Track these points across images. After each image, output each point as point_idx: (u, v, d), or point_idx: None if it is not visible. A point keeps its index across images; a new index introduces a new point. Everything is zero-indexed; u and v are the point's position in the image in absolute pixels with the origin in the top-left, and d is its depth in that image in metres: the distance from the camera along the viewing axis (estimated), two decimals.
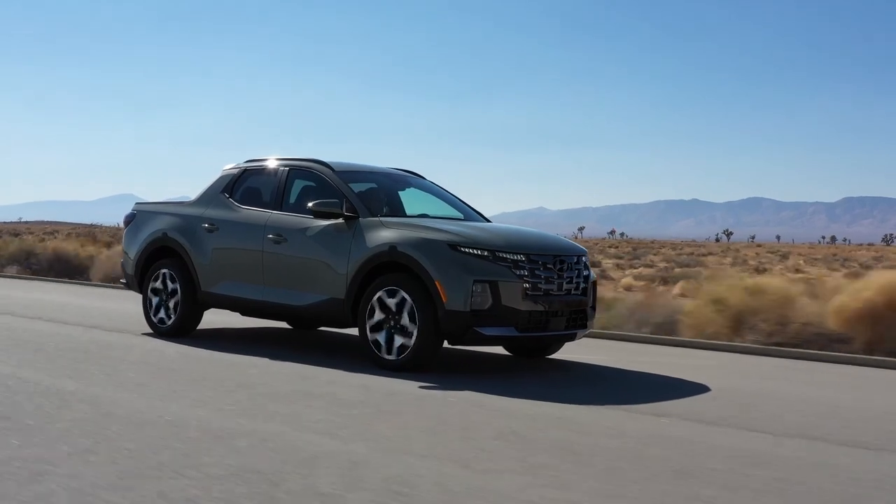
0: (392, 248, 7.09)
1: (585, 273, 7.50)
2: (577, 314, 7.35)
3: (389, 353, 6.98)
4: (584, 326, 7.50)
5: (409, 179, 8.83)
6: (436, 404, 5.70)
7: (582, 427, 5.17)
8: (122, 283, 9.64)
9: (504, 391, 6.26)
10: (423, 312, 6.82)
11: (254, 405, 5.41)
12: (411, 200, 8.58)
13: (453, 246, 6.91)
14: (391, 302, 6.99)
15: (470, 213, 8.57)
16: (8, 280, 18.12)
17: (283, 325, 10.02)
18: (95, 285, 17.13)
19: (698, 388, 6.81)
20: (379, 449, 4.43)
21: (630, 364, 8.03)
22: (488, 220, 8.52)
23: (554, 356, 8.18)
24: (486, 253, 6.90)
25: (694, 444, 4.87)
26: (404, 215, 8.06)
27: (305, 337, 9.30)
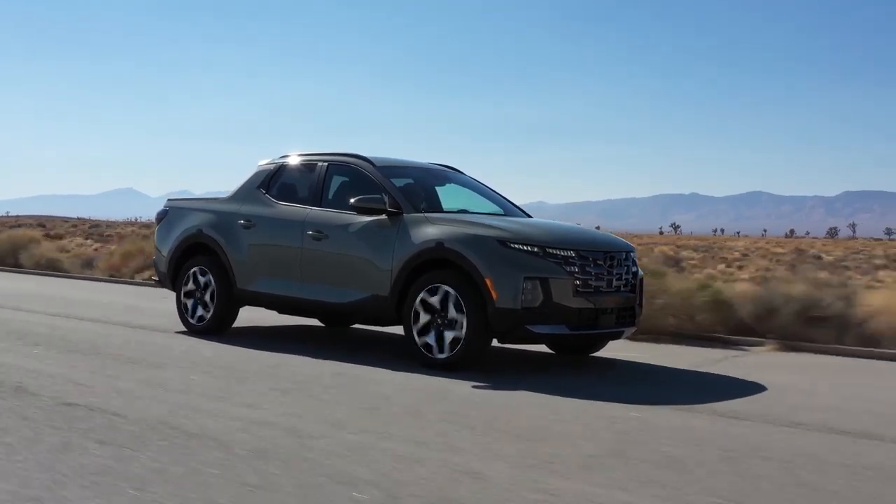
0: (439, 244, 6.96)
1: (634, 269, 7.37)
2: (626, 311, 7.23)
3: (439, 351, 6.85)
4: (633, 324, 7.39)
5: (449, 175, 8.70)
6: (511, 408, 5.57)
7: (670, 431, 5.06)
8: (154, 280, 9.52)
9: (571, 392, 6.12)
10: (472, 310, 6.69)
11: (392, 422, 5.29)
12: (450, 196, 8.46)
13: (503, 242, 6.79)
14: (437, 300, 6.87)
15: (510, 209, 8.44)
16: None
17: (315, 321, 9.89)
18: (70, 276, 16.95)
19: (756, 388, 6.69)
20: (520, 466, 4.30)
21: (678, 363, 7.89)
22: (529, 216, 8.39)
23: (596, 354, 8.05)
24: (536, 249, 6.77)
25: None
26: (442, 211, 7.93)
27: (340, 334, 9.18)
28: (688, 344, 9.23)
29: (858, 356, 8.66)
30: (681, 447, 4.60)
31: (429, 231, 7.12)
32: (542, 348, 8.19)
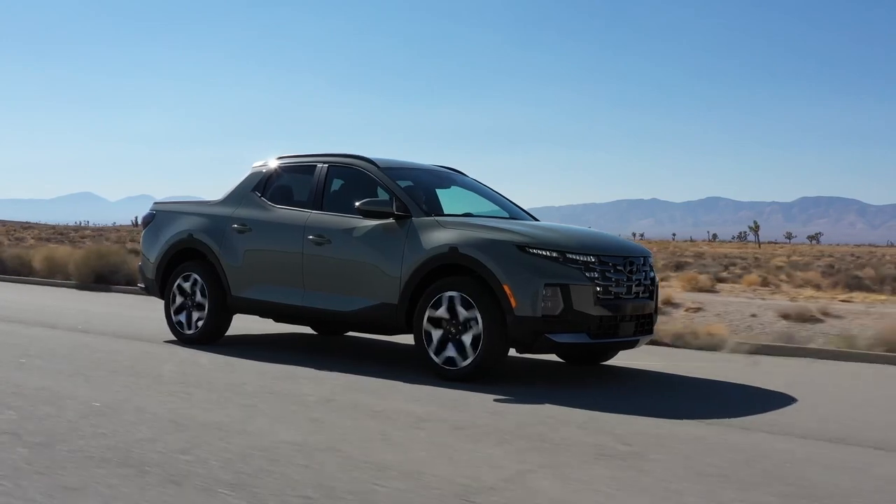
0: (453, 249, 6.62)
1: (651, 275, 7.11)
2: (645, 319, 6.96)
3: (455, 363, 6.51)
4: (651, 332, 7.12)
5: (452, 177, 8.37)
6: (549, 425, 5.27)
7: (702, 445, 4.78)
8: (140, 287, 9.06)
9: (590, 404, 5.83)
10: (489, 319, 6.36)
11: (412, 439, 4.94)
12: (451, 198, 8.13)
13: (521, 247, 6.47)
14: (450, 309, 6.53)
15: (517, 212, 8.12)
16: None
17: (307, 329, 9.50)
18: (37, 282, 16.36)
19: (785, 399, 6.45)
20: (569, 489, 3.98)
21: (692, 371, 7.64)
22: (536, 219, 8.08)
23: (608, 362, 7.77)
24: (556, 254, 6.47)
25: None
26: (443, 214, 7.59)
27: (334, 343, 8.81)
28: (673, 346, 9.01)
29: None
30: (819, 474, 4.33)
31: (441, 235, 6.78)
32: (547, 356, 7.90)
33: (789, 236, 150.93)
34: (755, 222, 66.98)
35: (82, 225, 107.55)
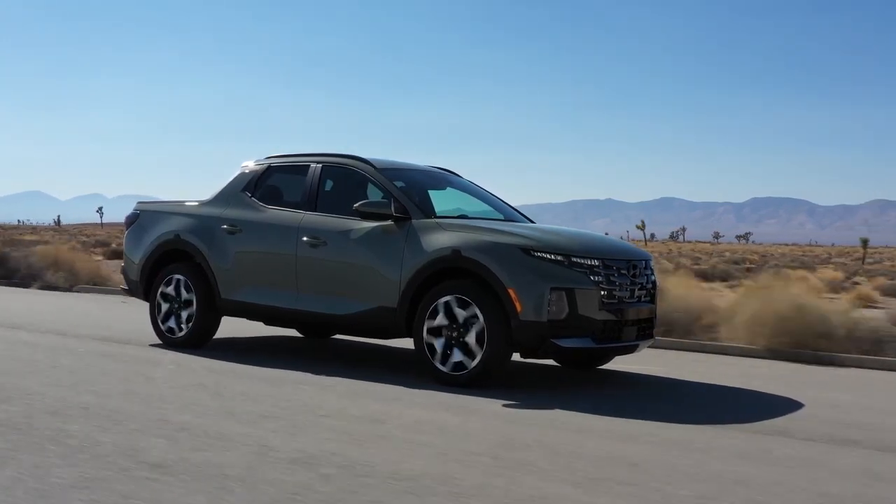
0: (455, 252, 6.51)
1: (653, 278, 7.07)
2: (646, 323, 6.92)
3: (456, 368, 6.40)
4: (651, 336, 7.07)
5: (447, 178, 8.24)
6: (558, 433, 5.18)
7: (724, 453, 4.74)
8: (122, 289, 8.81)
9: (604, 410, 5.76)
10: (493, 323, 6.26)
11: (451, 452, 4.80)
12: (444, 200, 8.01)
13: (526, 250, 6.37)
14: (455, 312, 6.41)
15: (512, 214, 8.02)
16: None
17: (293, 332, 9.31)
18: None
19: (793, 404, 6.45)
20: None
21: (693, 375, 7.61)
22: (532, 221, 8.00)
23: (604, 366, 7.72)
24: (560, 258, 6.38)
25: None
26: (440, 216, 7.46)
27: (326, 346, 8.65)
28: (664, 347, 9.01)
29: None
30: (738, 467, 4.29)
31: (442, 238, 6.66)
32: (544, 360, 7.82)
33: (717, 236, 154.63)
34: (642, 221, 69.18)
35: (23, 224, 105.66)
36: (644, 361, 8.02)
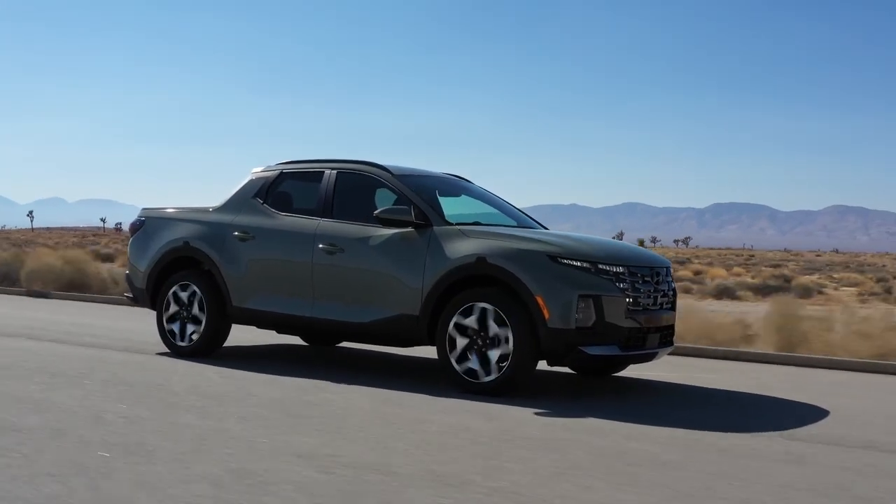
0: (481, 259, 6.46)
1: (673, 286, 7.08)
2: (667, 330, 6.92)
3: (483, 376, 6.35)
4: (671, 343, 7.07)
5: (462, 185, 8.19)
6: (603, 447, 5.14)
7: (769, 461, 4.73)
8: (126, 297, 8.63)
9: (639, 416, 5.74)
10: (520, 331, 6.22)
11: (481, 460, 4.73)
12: (457, 207, 7.94)
13: (553, 257, 6.34)
14: (477, 320, 6.36)
15: (528, 222, 7.98)
16: None
17: (297, 340, 9.19)
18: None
19: (819, 411, 6.48)
20: None
21: (705, 381, 7.63)
22: (546, 228, 7.96)
23: (620, 374, 7.71)
24: (587, 265, 6.36)
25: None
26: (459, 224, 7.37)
27: (333, 353, 8.55)
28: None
29: None
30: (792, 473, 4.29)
31: (466, 245, 6.60)
32: (558, 368, 7.80)
33: (654, 240, 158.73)
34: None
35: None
36: (653, 368, 8.02)
